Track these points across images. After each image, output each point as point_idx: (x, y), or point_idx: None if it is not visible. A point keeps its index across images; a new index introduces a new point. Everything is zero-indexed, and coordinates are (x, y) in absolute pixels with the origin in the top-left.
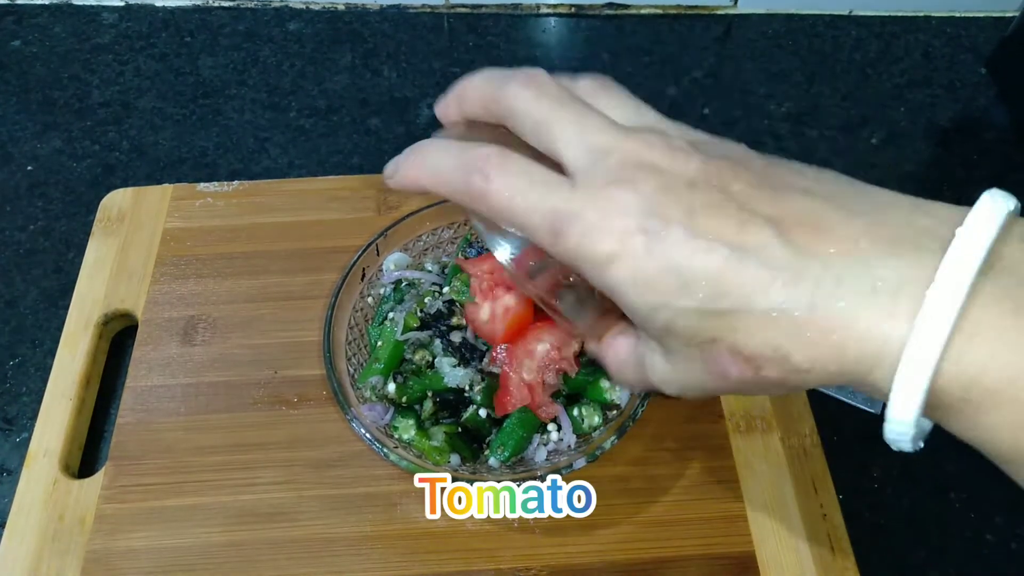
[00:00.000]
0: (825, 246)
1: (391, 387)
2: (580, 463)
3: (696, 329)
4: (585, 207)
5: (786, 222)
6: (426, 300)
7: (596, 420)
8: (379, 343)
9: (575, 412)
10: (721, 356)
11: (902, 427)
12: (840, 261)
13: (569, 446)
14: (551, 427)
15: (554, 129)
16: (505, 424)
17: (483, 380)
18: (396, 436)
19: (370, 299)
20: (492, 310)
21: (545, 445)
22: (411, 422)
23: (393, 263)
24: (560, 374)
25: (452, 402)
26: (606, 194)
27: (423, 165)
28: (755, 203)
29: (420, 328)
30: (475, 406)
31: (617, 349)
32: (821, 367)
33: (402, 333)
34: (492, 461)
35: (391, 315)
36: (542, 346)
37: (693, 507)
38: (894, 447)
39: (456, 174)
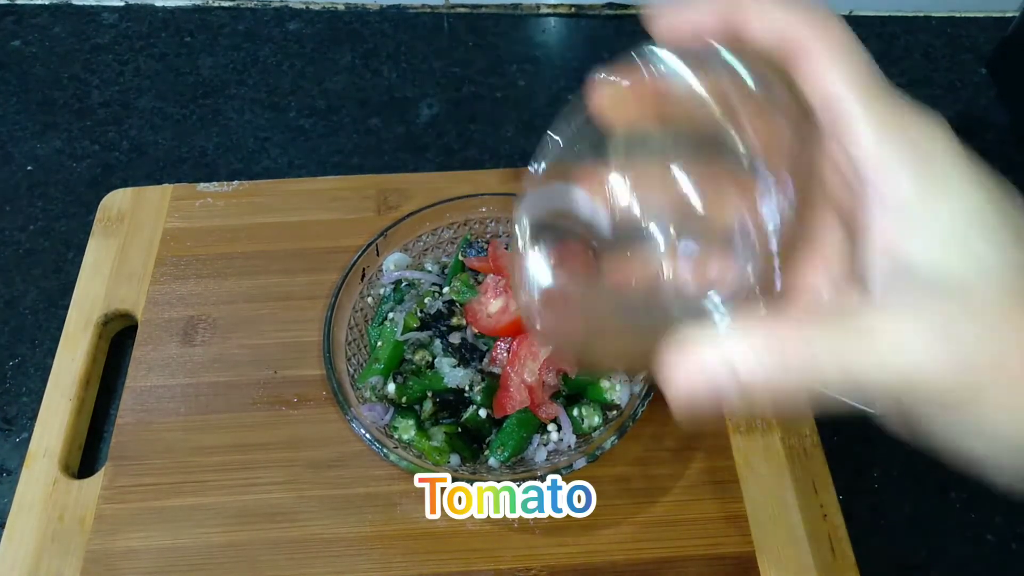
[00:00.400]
0: None
1: (391, 387)
2: (580, 463)
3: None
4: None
5: None
6: (426, 300)
7: (596, 420)
8: (379, 343)
9: (575, 412)
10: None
11: None
12: None
13: (569, 446)
14: (551, 427)
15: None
16: (505, 424)
17: (483, 380)
18: (396, 436)
19: (370, 299)
20: (506, 303)
21: (545, 445)
22: (411, 422)
23: (393, 263)
24: (560, 375)
25: (452, 402)
26: None
27: None
28: None
29: (420, 328)
30: (475, 406)
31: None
32: None
33: (402, 333)
34: (492, 461)
35: (391, 315)
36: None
37: (693, 507)
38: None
39: None
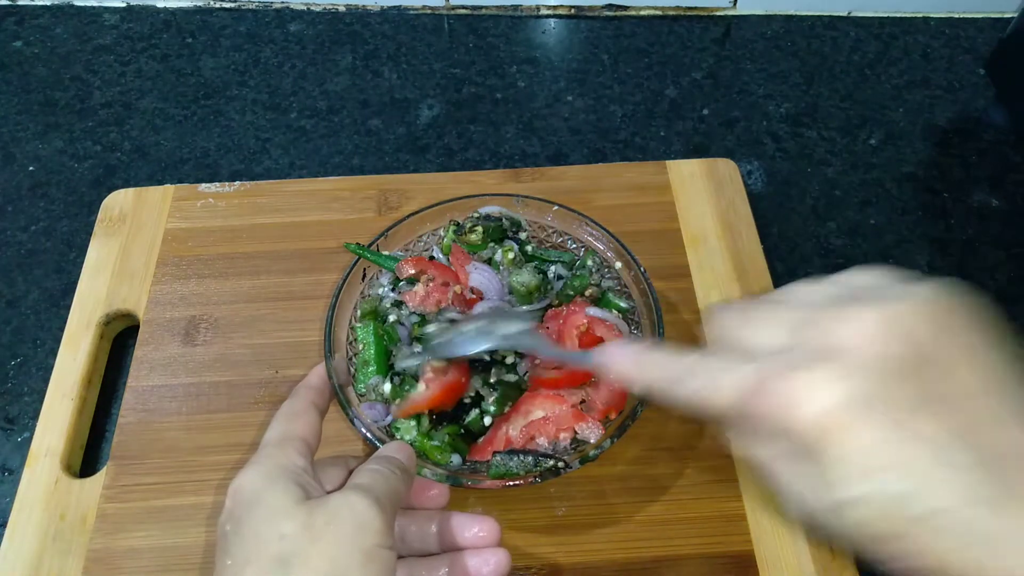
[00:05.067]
0: None
1: (387, 387)
2: (579, 462)
3: (883, 520)
4: (795, 375)
5: (997, 451)
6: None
7: None
8: (362, 345)
9: None
10: (898, 550)
11: None
12: None
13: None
14: None
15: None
16: None
17: (496, 389)
18: (398, 436)
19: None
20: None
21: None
22: (412, 422)
23: None
24: (553, 441)
25: (450, 412)
26: (816, 367)
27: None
28: (961, 419)
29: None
30: (479, 411)
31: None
32: None
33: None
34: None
35: (391, 316)
36: (539, 412)
37: (692, 506)
38: None
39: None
